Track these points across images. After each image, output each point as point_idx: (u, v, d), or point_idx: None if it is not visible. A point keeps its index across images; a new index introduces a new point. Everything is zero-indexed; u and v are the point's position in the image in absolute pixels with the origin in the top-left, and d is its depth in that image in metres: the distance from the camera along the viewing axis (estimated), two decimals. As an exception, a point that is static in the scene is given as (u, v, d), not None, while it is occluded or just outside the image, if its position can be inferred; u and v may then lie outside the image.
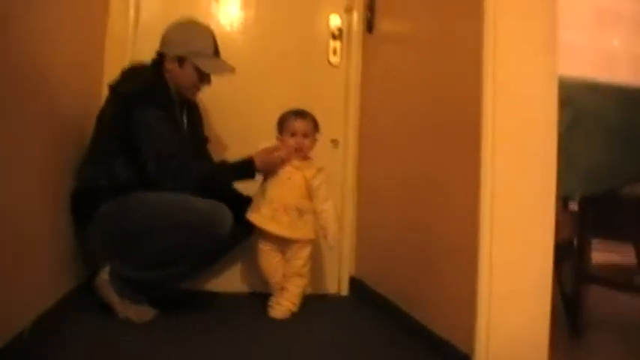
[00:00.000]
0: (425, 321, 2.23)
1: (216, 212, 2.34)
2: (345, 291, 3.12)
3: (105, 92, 2.58)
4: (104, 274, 2.38)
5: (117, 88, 2.44)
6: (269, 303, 2.59)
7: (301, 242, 2.60)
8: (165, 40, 2.56)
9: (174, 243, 2.31)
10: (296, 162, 2.58)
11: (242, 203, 2.61)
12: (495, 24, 1.84)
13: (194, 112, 2.77)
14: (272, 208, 2.55)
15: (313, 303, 2.78)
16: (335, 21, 3.15)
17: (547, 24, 1.86)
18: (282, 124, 2.64)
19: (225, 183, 2.62)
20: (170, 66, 2.52)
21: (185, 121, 2.67)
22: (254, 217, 2.58)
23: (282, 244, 2.60)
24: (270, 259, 2.63)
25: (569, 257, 2.46)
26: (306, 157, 2.63)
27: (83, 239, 2.45)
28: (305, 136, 2.60)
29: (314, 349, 2.20)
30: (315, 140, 2.65)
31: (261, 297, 2.70)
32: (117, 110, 2.39)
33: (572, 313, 2.46)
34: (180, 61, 2.52)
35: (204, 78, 2.59)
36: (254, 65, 3.02)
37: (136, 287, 2.39)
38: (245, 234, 2.63)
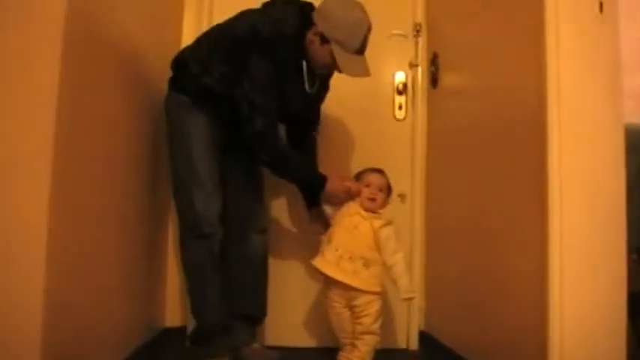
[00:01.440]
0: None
1: (203, 216, 2.45)
2: (414, 345, 3.08)
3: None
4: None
5: (257, 18, 2.46)
6: (337, 357, 2.57)
7: (368, 295, 2.49)
8: (322, 10, 2.47)
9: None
10: (364, 213, 2.53)
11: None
12: (559, 72, 1.86)
13: (324, 87, 2.77)
14: (337, 255, 2.48)
15: (383, 358, 2.75)
16: (400, 77, 3.20)
17: (610, 69, 1.87)
18: (359, 176, 2.62)
19: (289, 176, 2.59)
20: (312, 37, 2.47)
21: (314, 89, 2.64)
22: (317, 261, 2.54)
23: (349, 297, 2.51)
24: (338, 314, 2.56)
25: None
26: (376, 212, 2.56)
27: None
28: (380, 190, 2.56)
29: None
30: (387, 201, 2.61)
31: (332, 352, 2.64)
32: (242, 35, 2.43)
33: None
34: (323, 39, 2.44)
35: (337, 67, 2.50)
36: (323, 122, 3.06)
37: (217, 343, 2.49)
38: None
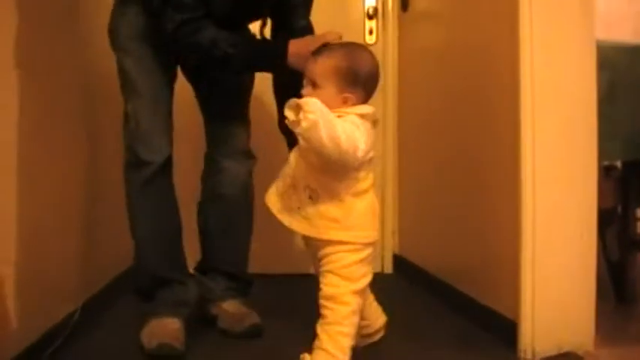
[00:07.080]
0: (470, 293, 2.24)
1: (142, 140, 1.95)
2: (389, 269, 3.14)
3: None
4: None
5: None
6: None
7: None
8: None
9: None
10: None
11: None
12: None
13: None
14: None
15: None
16: (370, 1, 3.14)
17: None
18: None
19: (240, 66, 1.92)
20: None
21: None
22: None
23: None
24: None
25: (613, 224, 2.43)
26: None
27: None
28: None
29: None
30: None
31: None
32: None
33: (617, 281, 2.44)
34: None
35: None
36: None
37: (158, 298, 2.03)
38: None
